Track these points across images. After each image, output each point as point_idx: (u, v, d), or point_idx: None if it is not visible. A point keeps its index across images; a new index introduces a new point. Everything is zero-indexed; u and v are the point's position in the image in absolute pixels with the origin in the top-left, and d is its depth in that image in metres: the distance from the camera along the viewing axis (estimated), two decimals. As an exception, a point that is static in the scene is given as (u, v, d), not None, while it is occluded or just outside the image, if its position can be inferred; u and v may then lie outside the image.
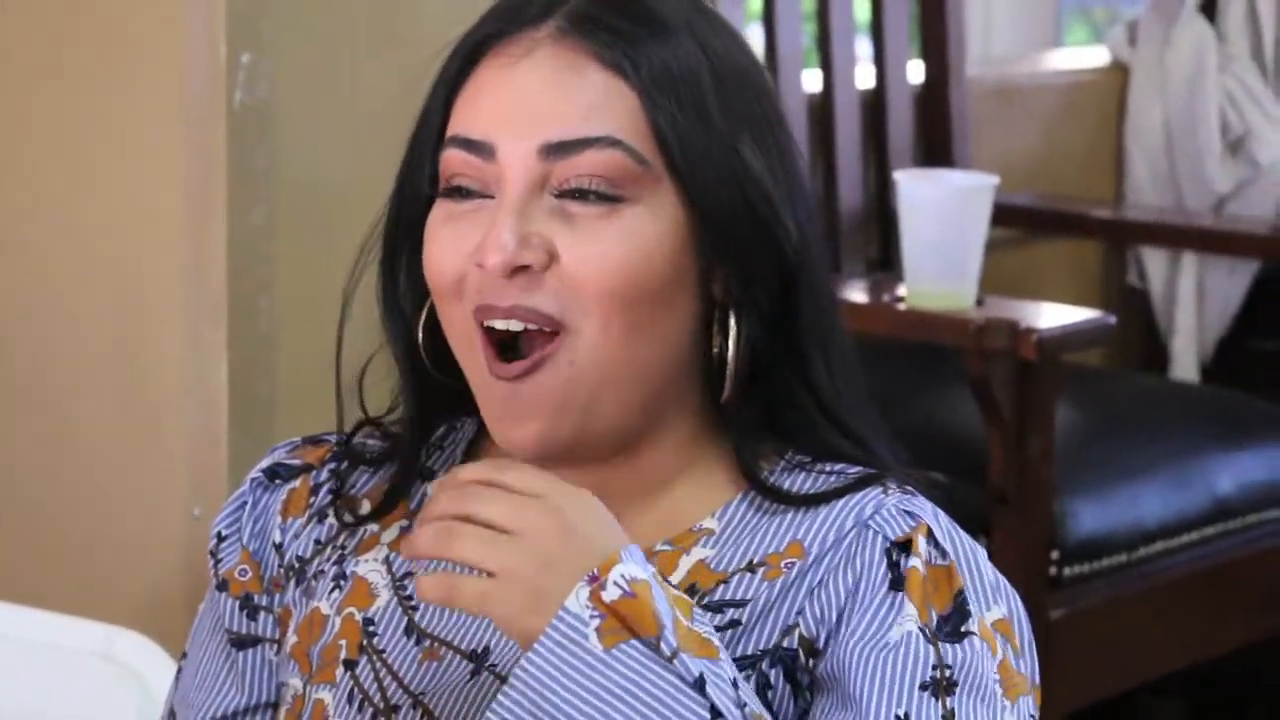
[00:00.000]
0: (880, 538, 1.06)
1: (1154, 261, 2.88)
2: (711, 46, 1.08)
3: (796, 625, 1.05)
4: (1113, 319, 2.13)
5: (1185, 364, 2.84)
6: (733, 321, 1.07)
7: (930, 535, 1.05)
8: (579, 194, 1.05)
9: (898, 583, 1.04)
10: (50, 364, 1.91)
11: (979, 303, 2.09)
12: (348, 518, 1.14)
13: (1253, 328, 2.85)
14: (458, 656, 1.09)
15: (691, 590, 1.07)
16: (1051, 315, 2.07)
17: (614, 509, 1.09)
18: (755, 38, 2.47)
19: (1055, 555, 2.11)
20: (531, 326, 1.05)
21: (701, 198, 1.06)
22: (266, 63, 1.81)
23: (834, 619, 1.05)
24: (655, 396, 1.07)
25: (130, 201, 1.86)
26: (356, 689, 1.10)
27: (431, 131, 1.09)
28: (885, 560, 1.05)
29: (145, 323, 1.86)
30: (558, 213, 1.05)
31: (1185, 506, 2.25)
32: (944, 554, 1.05)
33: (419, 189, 1.09)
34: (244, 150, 1.81)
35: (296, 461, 1.17)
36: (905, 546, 1.05)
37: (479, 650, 1.08)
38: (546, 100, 1.05)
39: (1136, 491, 2.22)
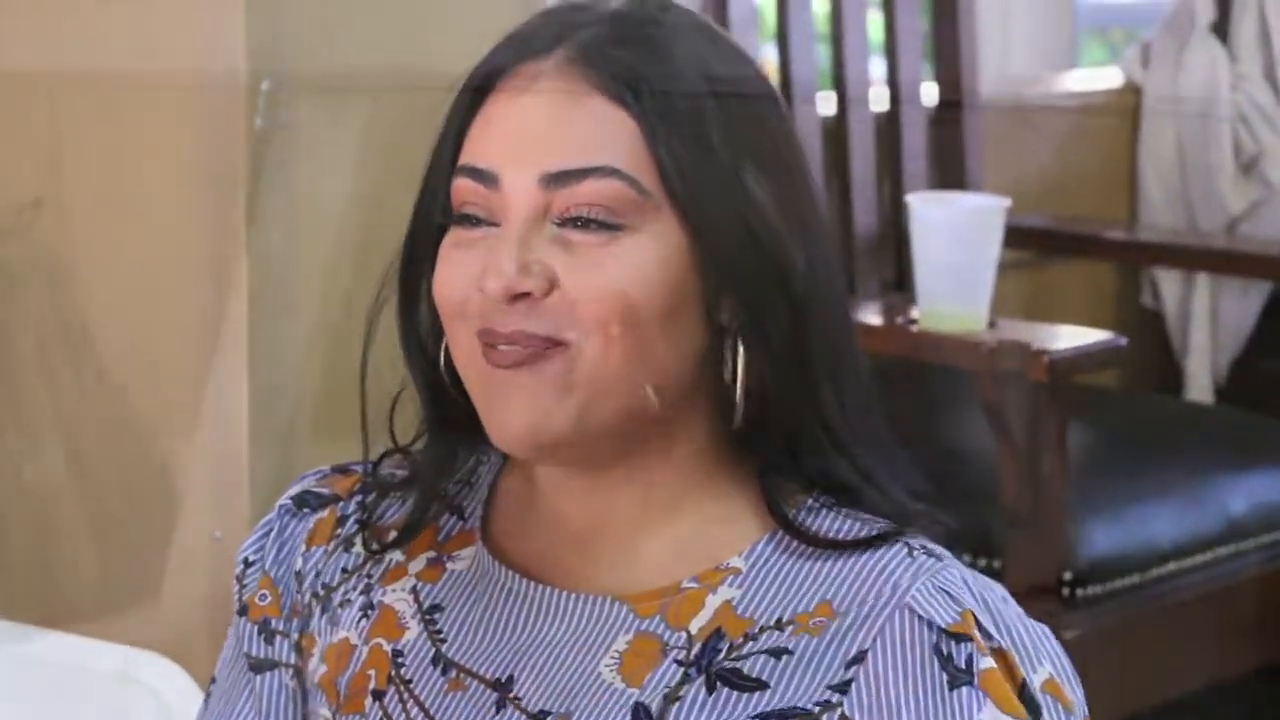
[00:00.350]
0: (925, 625, 1.06)
1: (1168, 282, 2.89)
2: (719, 77, 1.09)
3: (839, 706, 1.06)
4: (1123, 340, 2.14)
5: (1199, 385, 2.85)
6: (741, 349, 1.09)
7: (978, 622, 1.06)
8: (580, 222, 1.07)
9: (957, 679, 1.05)
10: (70, 388, 1.92)
11: (991, 324, 2.11)
12: (374, 546, 1.16)
13: (1266, 349, 2.86)
14: (483, 686, 1.10)
15: (718, 635, 1.08)
16: (1063, 337, 2.08)
17: (630, 531, 1.10)
18: (769, 57, 2.49)
19: (1068, 576, 2.12)
20: (533, 349, 1.06)
21: (702, 228, 1.07)
22: (286, 89, 1.83)
23: (885, 712, 1.05)
24: (659, 414, 1.08)
25: (151, 226, 1.87)
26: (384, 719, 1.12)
27: (445, 160, 1.11)
28: (937, 656, 1.06)
29: (166, 345, 1.87)
30: (559, 241, 1.07)
31: (1198, 527, 2.26)
32: (989, 635, 1.06)
33: (434, 216, 1.11)
34: (264, 175, 1.83)
35: (325, 490, 1.19)
36: (954, 636, 1.06)
37: (503, 679, 1.10)
38: (548, 131, 1.07)
39: (1150, 512, 2.23)
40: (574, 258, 1.06)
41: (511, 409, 1.06)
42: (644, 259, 1.07)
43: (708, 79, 1.09)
